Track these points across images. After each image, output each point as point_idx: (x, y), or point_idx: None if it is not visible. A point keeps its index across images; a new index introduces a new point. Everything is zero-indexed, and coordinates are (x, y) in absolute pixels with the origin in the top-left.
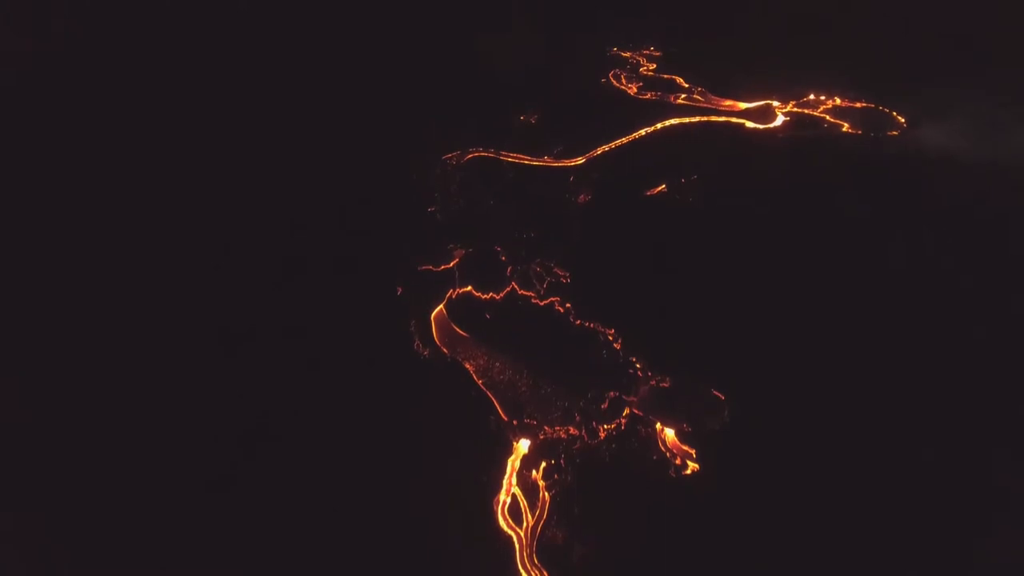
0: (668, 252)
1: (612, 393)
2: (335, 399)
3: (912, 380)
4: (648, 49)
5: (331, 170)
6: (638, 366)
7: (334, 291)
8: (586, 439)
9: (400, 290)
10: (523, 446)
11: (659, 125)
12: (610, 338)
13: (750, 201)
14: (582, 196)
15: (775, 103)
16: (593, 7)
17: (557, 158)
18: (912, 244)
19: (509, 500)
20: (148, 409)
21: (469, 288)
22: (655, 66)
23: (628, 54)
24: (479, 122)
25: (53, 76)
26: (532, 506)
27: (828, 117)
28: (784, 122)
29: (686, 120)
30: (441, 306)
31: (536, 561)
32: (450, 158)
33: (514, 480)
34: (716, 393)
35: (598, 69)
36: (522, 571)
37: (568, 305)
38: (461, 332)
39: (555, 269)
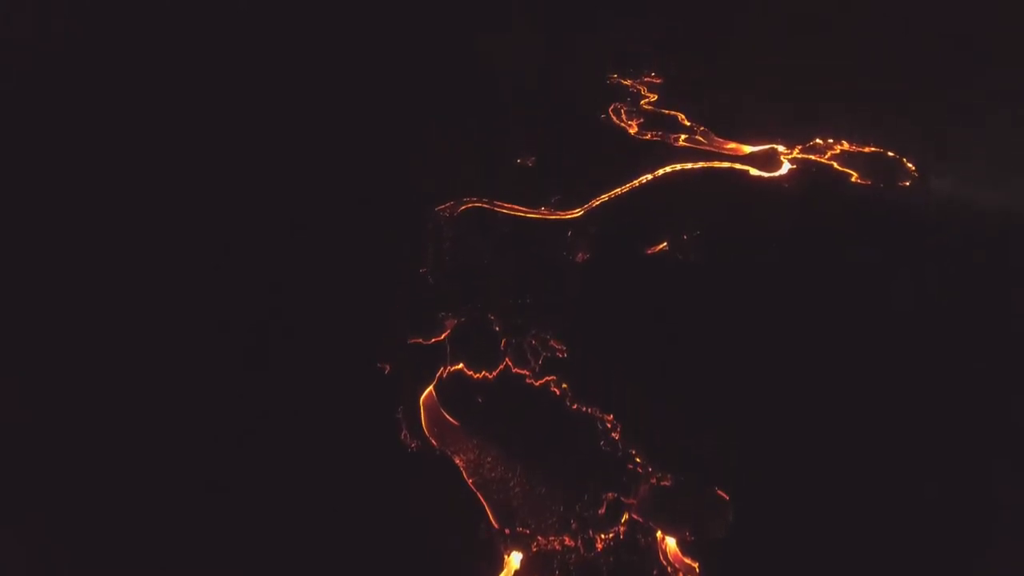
0: (668, 320)
1: (610, 495)
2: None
3: (926, 465)
4: (649, 75)
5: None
6: (638, 460)
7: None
8: (582, 551)
9: (388, 369)
10: (515, 560)
11: (660, 172)
12: (608, 425)
13: (756, 263)
14: (580, 255)
15: (780, 148)
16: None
17: (554, 208)
18: (925, 309)
19: None
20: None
21: (461, 366)
22: (656, 97)
23: (629, 82)
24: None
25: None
26: None
27: (835, 165)
28: (790, 170)
29: (688, 166)
30: (431, 388)
31: None
32: (443, 209)
33: None
34: (720, 493)
35: (598, 100)
36: None
37: (564, 386)
38: (451, 420)
39: (551, 343)
